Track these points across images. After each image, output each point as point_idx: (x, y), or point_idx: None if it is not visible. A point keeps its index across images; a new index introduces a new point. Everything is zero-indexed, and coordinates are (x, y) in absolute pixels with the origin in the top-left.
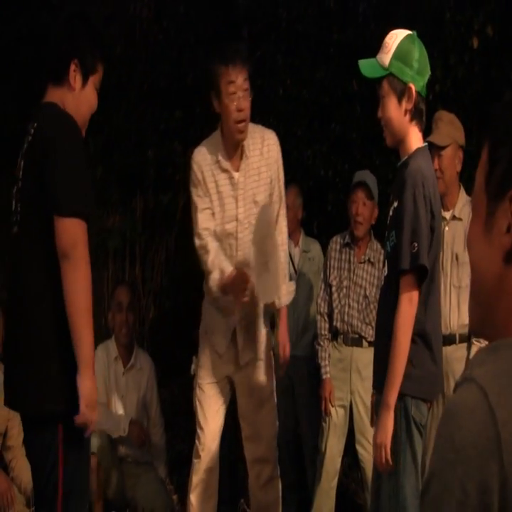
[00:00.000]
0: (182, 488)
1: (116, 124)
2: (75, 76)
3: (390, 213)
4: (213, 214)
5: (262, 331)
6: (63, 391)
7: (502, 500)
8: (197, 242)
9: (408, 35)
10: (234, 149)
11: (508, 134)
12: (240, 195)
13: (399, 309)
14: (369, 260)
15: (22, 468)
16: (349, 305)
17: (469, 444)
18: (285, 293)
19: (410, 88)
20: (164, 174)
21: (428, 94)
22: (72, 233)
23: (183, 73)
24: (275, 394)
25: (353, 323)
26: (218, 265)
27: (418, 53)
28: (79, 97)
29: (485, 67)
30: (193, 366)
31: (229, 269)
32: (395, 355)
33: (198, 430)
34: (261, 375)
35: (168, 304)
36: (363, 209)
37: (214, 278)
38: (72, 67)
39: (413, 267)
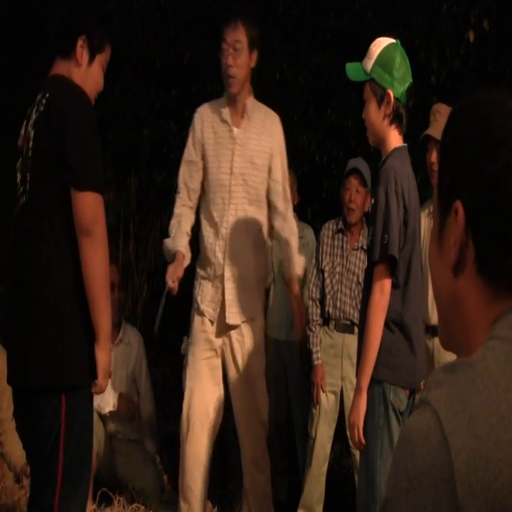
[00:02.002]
0: (172, 468)
1: (112, 101)
2: (82, 52)
3: (369, 210)
4: (200, 172)
5: (251, 294)
6: (68, 363)
7: None
8: (177, 190)
9: (391, 44)
10: (233, 103)
11: (453, 144)
12: (237, 149)
13: (371, 298)
14: (362, 247)
15: (12, 444)
16: (341, 291)
17: (422, 473)
18: (299, 264)
19: (388, 94)
20: (159, 153)
21: (424, 85)
22: (93, 208)
23: (180, 53)
24: (264, 370)
25: (345, 309)
26: (176, 233)
27: (399, 62)
28: (85, 74)
29: (481, 61)
30: (183, 345)
31: (180, 247)
32: (366, 342)
33: (185, 409)
34: (251, 355)
35: (162, 283)
36: (356, 196)
37: (166, 245)
38: (80, 42)
39: (383, 258)
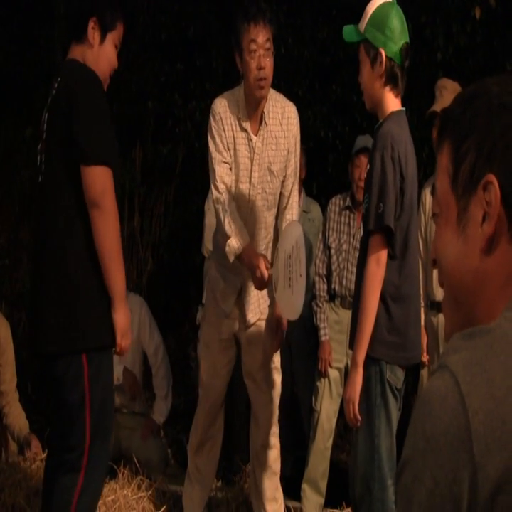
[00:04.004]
0: (177, 443)
1: (116, 73)
2: (93, 33)
3: (365, 176)
4: (231, 169)
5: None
6: (86, 327)
7: (472, 489)
8: (215, 194)
9: (386, 3)
10: (254, 110)
11: (470, 127)
12: (255, 159)
13: (366, 269)
14: None
15: (15, 415)
16: (348, 269)
17: (440, 433)
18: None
19: (381, 53)
20: (164, 126)
21: (430, 62)
22: (101, 182)
23: (185, 26)
24: (280, 354)
25: (351, 287)
26: (236, 232)
27: (393, 20)
28: (98, 53)
29: (487, 38)
30: (198, 316)
31: (247, 239)
32: (362, 315)
33: (200, 390)
34: (266, 334)
35: (167, 256)
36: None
37: (232, 245)
38: (91, 24)
39: (378, 228)
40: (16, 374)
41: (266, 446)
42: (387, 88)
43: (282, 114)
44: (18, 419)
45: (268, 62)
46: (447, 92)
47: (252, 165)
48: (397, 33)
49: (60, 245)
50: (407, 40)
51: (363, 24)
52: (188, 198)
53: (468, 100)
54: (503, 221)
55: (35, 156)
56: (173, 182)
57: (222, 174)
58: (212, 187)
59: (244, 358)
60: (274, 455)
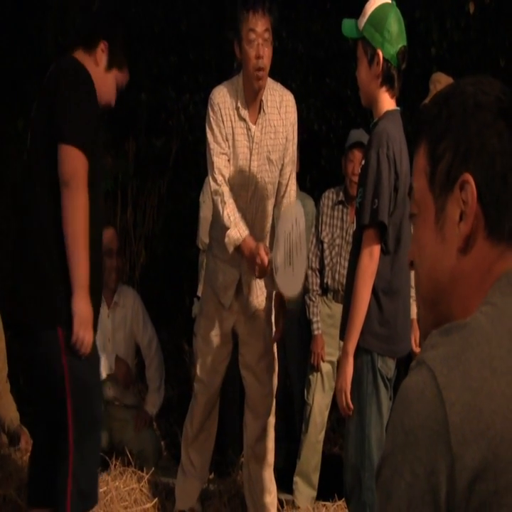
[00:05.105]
0: (169, 435)
1: None
2: (102, 55)
3: (360, 171)
4: (229, 160)
5: (265, 279)
6: (61, 300)
7: (450, 479)
8: (213, 185)
9: (386, 4)
10: (253, 99)
11: (446, 127)
12: (254, 148)
13: (359, 263)
14: None
15: (6, 406)
16: (340, 263)
17: (418, 427)
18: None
19: (378, 54)
20: (157, 118)
21: (424, 57)
22: (73, 162)
23: (178, 19)
24: (276, 346)
25: (343, 281)
26: (235, 222)
27: (392, 22)
28: (101, 77)
29: (481, 33)
30: (194, 309)
31: (246, 231)
32: (354, 307)
33: (196, 384)
34: (264, 325)
35: (160, 249)
36: (359, 169)
37: (231, 236)
38: (101, 45)
39: (373, 223)
40: (8, 366)
41: (262, 437)
42: (383, 89)
43: (280, 103)
44: (8, 410)
45: (267, 52)
46: (440, 85)
47: (251, 154)
48: (395, 36)
49: (41, 222)
50: (405, 43)
51: (362, 22)
52: (181, 190)
53: (443, 101)
54: (479, 220)
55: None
56: (166, 175)
57: (221, 166)
58: (211, 178)
59: (242, 349)
60: (270, 446)
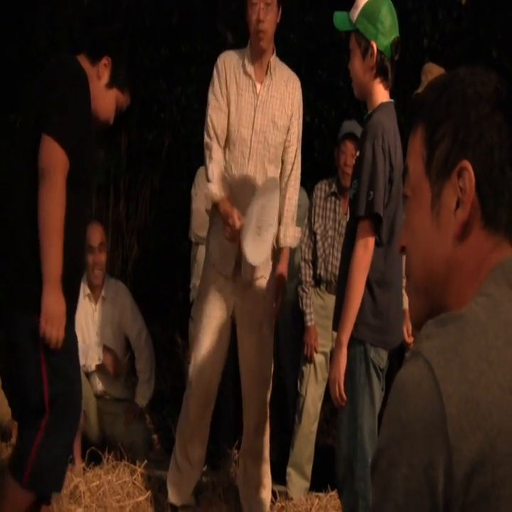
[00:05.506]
0: (162, 428)
1: None
2: (104, 70)
3: (354, 163)
4: (227, 118)
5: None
6: (38, 288)
7: (447, 472)
8: (205, 139)
9: None
10: (258, 59)
11: (445, 113)
12: (259, 106)
13: (354, 254)
14: None
15: None
16: (333, 255)
17: (415, 419)
18: (291, 235)
19: (372, 46)
20: (149, 111)
21: (416, 48)
22: (53, 155)
23: (169, 11)
24: (273, 332)
25: (336, 272)
26: (218, 180)
27: (385, 14)
28: (101, 91)
29: (473, 24)
30: (192, 294)
31: (225, 192)
32: (348, 298)
33: (191, 373)
34: (263, 298)
35: (152, 242)
36: (352, 160)
37: (211, 191)
38: (104, 60)
39: (368, 215)
40: None
41: (256, 430)
42: (377, 80)
43: (288, 79)
44: (0, 405)
45: (268, 17)
46: (432, 76)
47: (255, 112)
48: (389, 27)
49: (18, 210)
50: (397, 34)
51: (355, 14)
52: (173, 183)
53: (442, 87)
54: (476, 209)
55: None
56: (158, 168)
57: (215, 121)
58: (205, 132)
59: (239, 336)
60: (265, 441)
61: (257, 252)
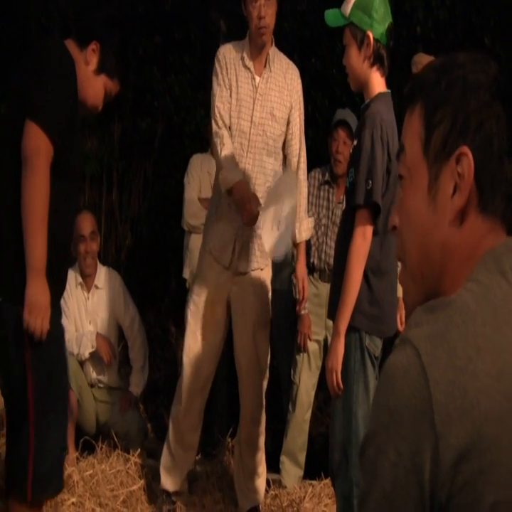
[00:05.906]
0: (156, 417)
1: None
2: (92, 55)
3: (351, 151)
4: (230, 107)
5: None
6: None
7: (434, 459)
8: (214, 127)
9: None
10: (257, 53)
11: (444, 96)
12: (257, 99)
13: (352, 243)
14: None
15: None
16: (326, 243)
17: (402, 406)
18: (305, 228)
19: (368, 36)
20: (143, 100)
21: (409, 36)
22: (37, 140)
23: None
24: (269, 321)
25: (330, 261)
26: (231, 165)
27: (378, 2)
28: (89, 77)
29: (466, 12)
30: (188, 280)
31: (240, 176)
32: (346, 286)
33: (185, 358)
34: (259, 287)
35: (146, 231)
36: (344, 148)
37: (225, 177)
38: (92, 45)
39: (367, 203)
40: None
41: (252, 419)
42: (374, 68)
43: (286, 70)
44: None
45: (269, 12)
46: (422, 66)
47: (254, 104)
48: (383, 14)
49: (5, 199)
50: (391, 20)
51: (348, 8)
52: (167, 172)
53: (441, 70)
54: (473, 195)
55: None
56: (151, 156)
57: (222, 110)
58: (213, 121)
59: (235, 322)
60: (261, 430)
61: (275, 247)
